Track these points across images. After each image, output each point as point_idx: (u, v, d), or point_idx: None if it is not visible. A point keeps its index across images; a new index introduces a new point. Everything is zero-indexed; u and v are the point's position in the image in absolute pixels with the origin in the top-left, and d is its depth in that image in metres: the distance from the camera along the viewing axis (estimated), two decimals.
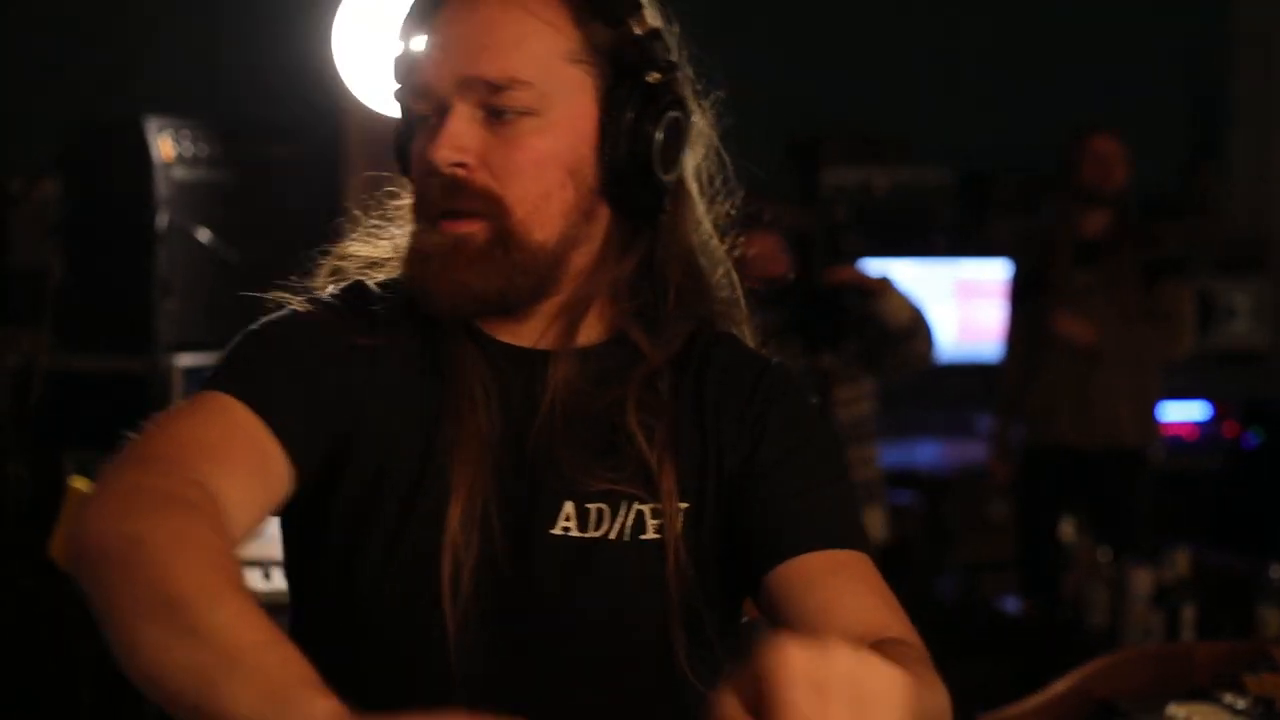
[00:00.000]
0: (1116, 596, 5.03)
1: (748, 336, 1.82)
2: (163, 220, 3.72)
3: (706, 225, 1.81)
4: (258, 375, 1.59)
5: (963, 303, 7.21)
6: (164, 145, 3.73)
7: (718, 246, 1.84)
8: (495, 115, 1.60)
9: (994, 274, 7.22)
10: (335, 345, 1.65)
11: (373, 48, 3.13)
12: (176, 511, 1.38)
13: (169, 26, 4.73)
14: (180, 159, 3.74)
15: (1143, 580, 4.96)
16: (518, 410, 1.65)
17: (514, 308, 1.66)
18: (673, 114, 1.68)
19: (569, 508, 1.62)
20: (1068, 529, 5.38)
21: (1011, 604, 5.89)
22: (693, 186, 1.78)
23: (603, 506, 1.62)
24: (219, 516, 1.42)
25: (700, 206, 1.79)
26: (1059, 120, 7.29)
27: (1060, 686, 2.78)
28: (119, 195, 3.81)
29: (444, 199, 1.61)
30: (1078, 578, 5.22)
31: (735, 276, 1.85)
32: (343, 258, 1.77)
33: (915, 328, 4.94)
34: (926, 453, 6.92)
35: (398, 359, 1.67)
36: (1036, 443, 5.76)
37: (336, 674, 1.25)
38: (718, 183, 1.84)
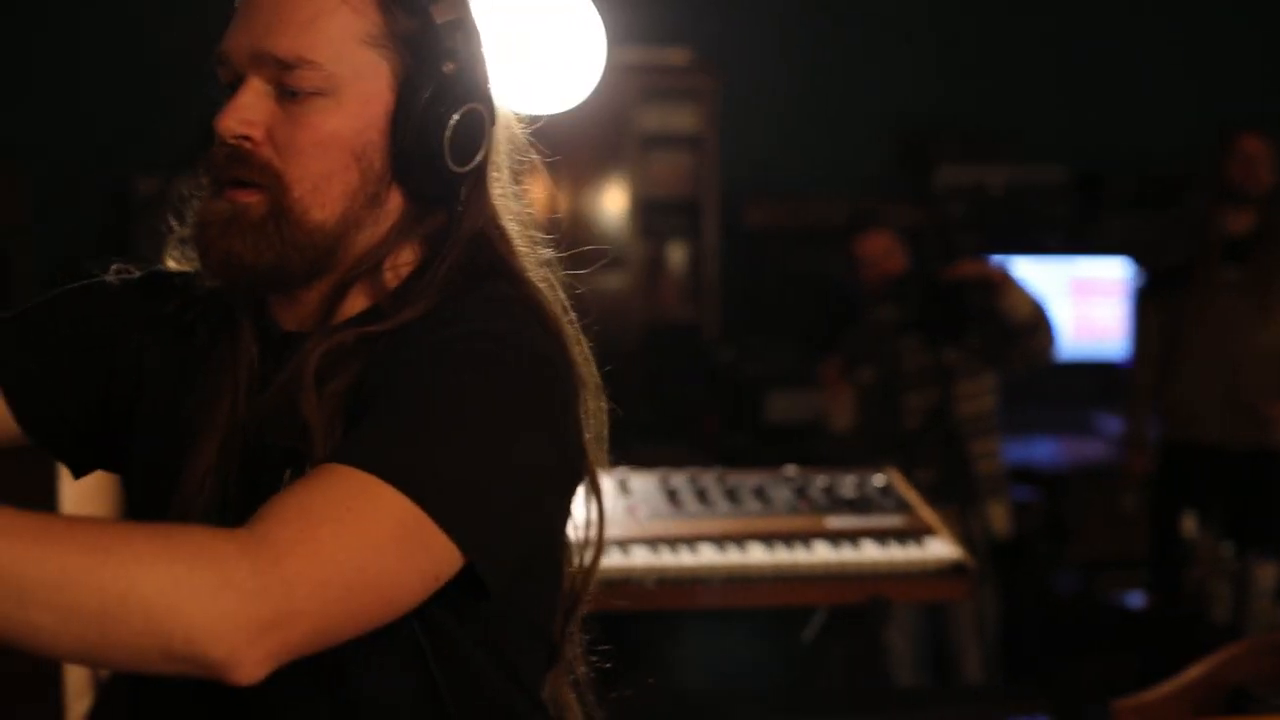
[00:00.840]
0: (1239, 592, 5.02)
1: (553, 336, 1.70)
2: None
3: (508, 221, 1.76)
4: (7, 321, 1.78)
5: (1078, 301, 7.19)
6: None
7: (521, 239, 1.77)
8: (286, 92, 1.61)
9: (1109, 272, 7.21)
10: (122, 311, 1.78)
11: None
12: None
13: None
14: None
15: (1267, 575, 4.95)
16: (267, 385, 1.67)
17: (289, 283, 1.66)
18: (469, 105, 1.66)
19: (287, 474, 1.61)
20: (1189, 524, 5.37)
21: (1135, 599, 5.89)
22: (493, 177, 1.75)
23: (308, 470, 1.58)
24: None
25: (498, 198, 1.76)
26: (1174, 119, 7.29)
27: (1193, 673, 2.80)
28: None
29: (228, 168, 1.61)
30: (1200, 573, 5.21)
31: (551, 277, 1.77)
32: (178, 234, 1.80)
33: (1037, 322, 4.97)
34: (1043, 450, 6.92)
35: (180, 331, 1.75)
36: (1176, 439, 5.73)
37: None
38: (520, 179, 1.80)
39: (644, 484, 3.75)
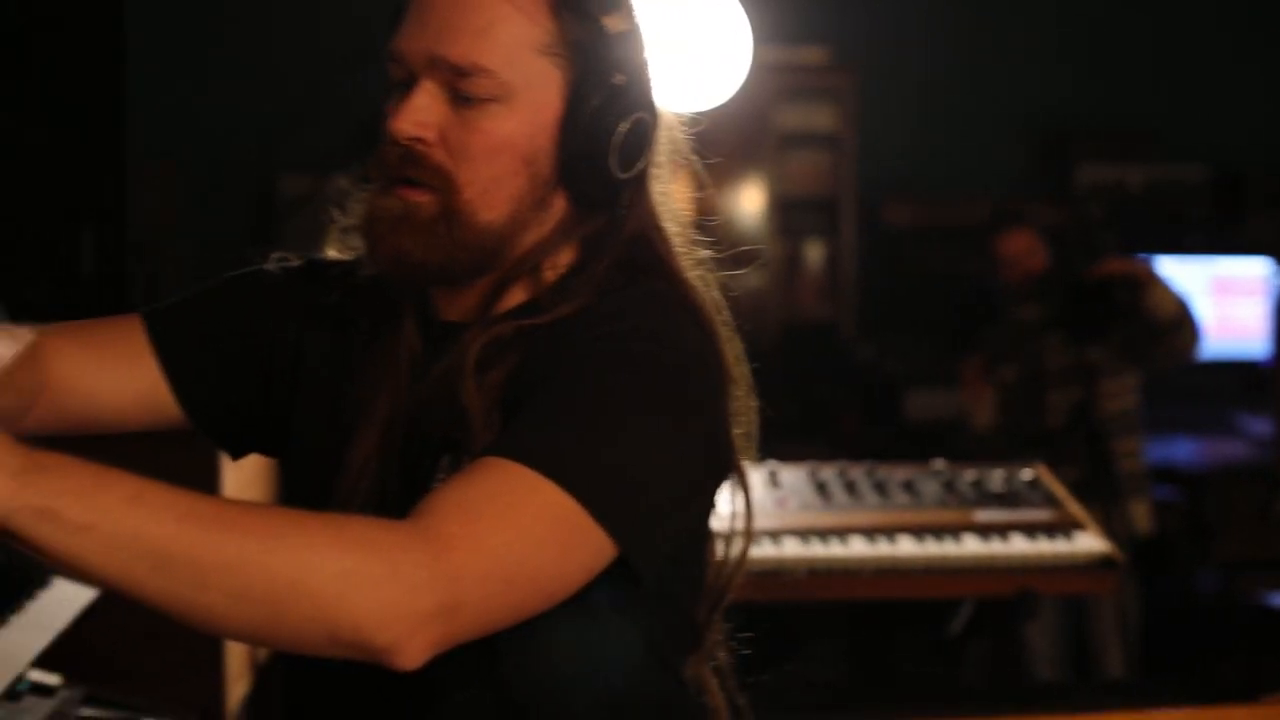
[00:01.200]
0: None
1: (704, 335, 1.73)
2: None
3: (667, 222, 1.78)
4: (174, 305, 1.84)
5: (1219, 300, 7.14)
6: None
7: (679, 239, 1.79)
8: (459, 97, 1.63)
9: (1251, 271, 7.15)
10: (283, 298, 1.83)
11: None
12: None
13: None
14: None
15: None
16: (427, 374, 1.71)
17: (454, 280, 1.70)
18: (637, 115, 1.69)
19: (445, 461, 1.67)
20: None
21: (1278, 600, 5.84)
22: (654, 186, 1.77)
23: (467, 460, 1.62)
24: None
25: (658, 197, 1.77)
26: None
27: None
28: None
29: (400, 167, 1.64)
30: None
31: (706, 276, 1.79)
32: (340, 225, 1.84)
33: (1181, 320, 4.95)
34: (1184, 449, 6.87)
35: (341, 319, 1.79)
36: None
37: None
38: (678, 179, 1.82)
39: (793, 476, 3.80)
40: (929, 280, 7.13)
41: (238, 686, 3.25)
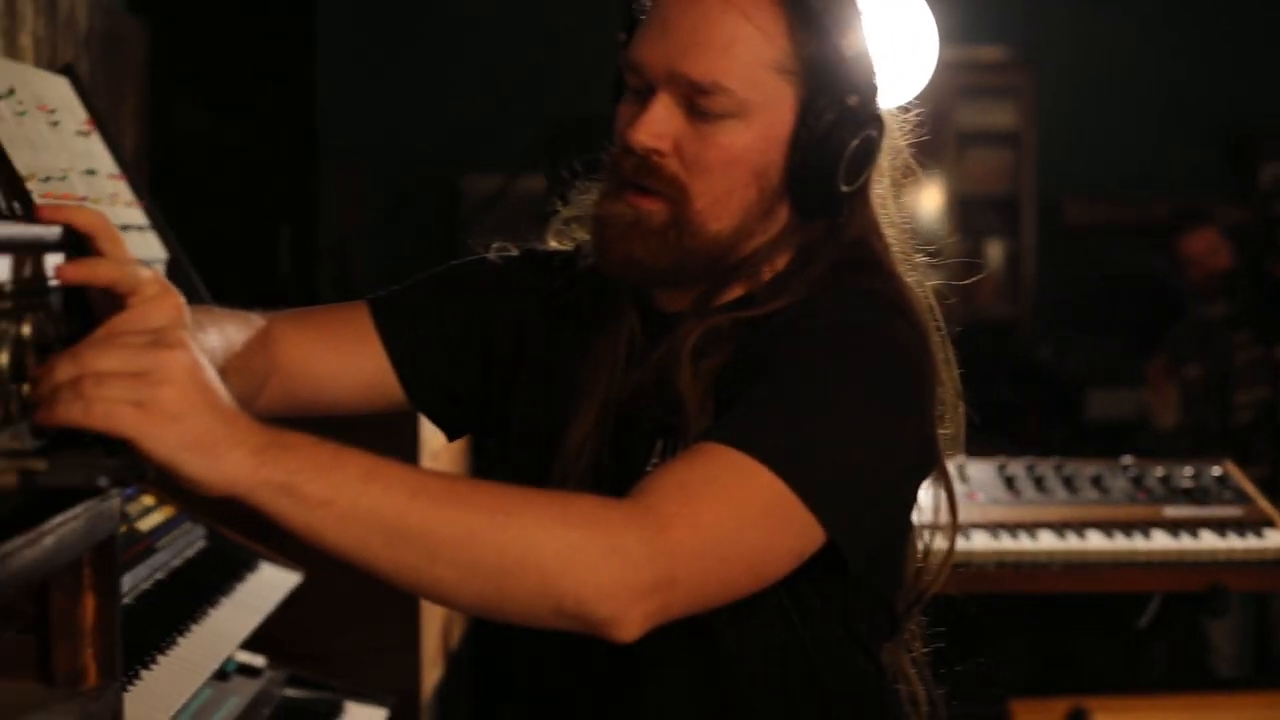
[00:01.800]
0: None
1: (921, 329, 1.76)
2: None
3: (885, 227, 1.81)
4: (398, 293, 1.92)
5: None
6: None
7: (895, 240, 1.83)
8: (696, 110, 1.68)
9: None
10: (504, 286, 1.90)
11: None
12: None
13: None
14: None
15: None
16: (646, 362, 1.76)
17: (679, 283, 1.76)
18: (866, 133, 1.72)
19: (659, 444, 1.72)
20: None
21: None
22: (875, 198, 1.80)
23: (680, 444, 1.68)
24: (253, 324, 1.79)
25: (879, 209, 1.81)
26: None
27: None
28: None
29: (634, 174, 1.69)
30: None
31: (920, 278, 1.83)
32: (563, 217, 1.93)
33: None
34: None
35: (562, 307, 1.86)
36: None
37: None
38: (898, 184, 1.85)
39: (982, 471, 3.82)
40: (1109, 280, 7.07)
41: (432, 673, 3.32)
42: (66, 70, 2.68)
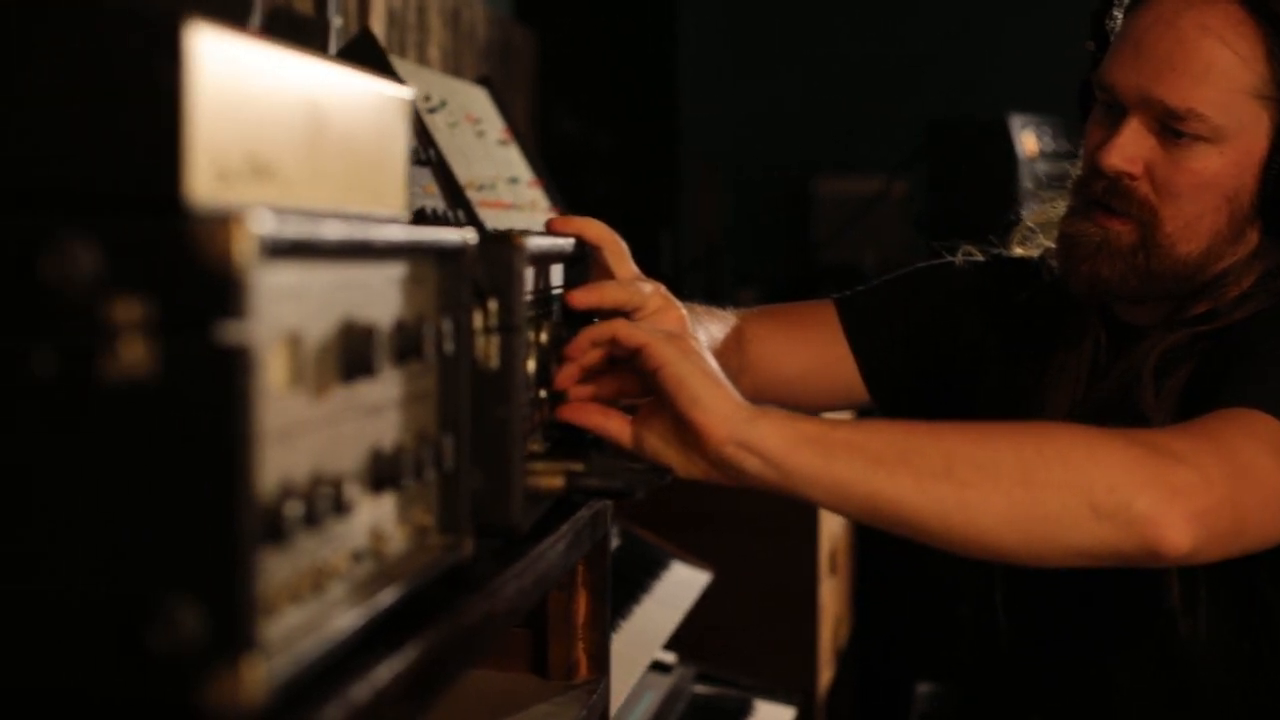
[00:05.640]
0: None
1: None
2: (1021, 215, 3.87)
3: None
4: (864, 293, 1.97)
5: None
6: (1027, 141, 3.89)
7: None
8: (1168, 134, 1.67)
9: None
10: (968, 292, 1.94)
11: None
12: None
13: (1025, 25, 4.90)
14: (1043, 154, 3.89)
15: None
16: (1109, 375, 1.76)
17: (1145, 301, 1.76)
18: None
19: None
20: None
21: None
22: None
23: None
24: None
25: None
26: None
27: None
28: (980, 190, 3.99)
29: (1103, 196, 1.70)
30: None
31: None
32: (1026, 224, 1.97)
33: None
34: None
35: (1025, 316, 1.87)
36: None
37: None
38: None
39: None
40: None
41: (825, 673, 3.35)
42: (484, 81, 2.77)
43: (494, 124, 2.69)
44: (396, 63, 2.27)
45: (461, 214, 2.24)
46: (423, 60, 3.23)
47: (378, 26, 2.96)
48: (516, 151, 2.71)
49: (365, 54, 2.21)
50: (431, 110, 2.35)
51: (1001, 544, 1.38)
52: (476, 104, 2.67)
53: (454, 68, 3.42)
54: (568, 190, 2.83)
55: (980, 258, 1.98)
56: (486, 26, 3.71)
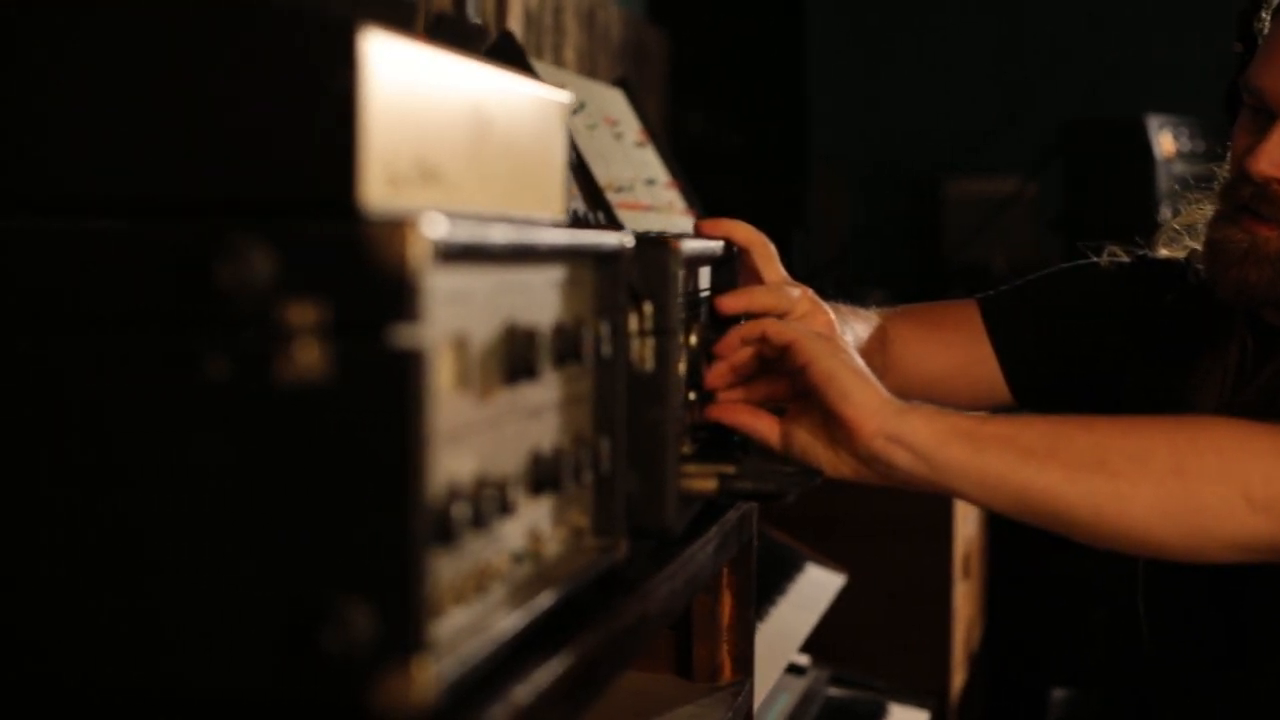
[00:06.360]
0: None
1: None
2: (1164, 216, 3.83)
3: None
4: (1008, 293, 1.95)
5: None
6: (1164, 141, 3.83)
7: None
8: None
9: None
10: (1113, 293, 1.90)
11: None
12: None
13: (1161, 23, 4.84)
14: (1180, 155, 3.83)
15: None
16: (1255, 380, 1.73)
17: None
18: None
19: None
20: None
21: None
22: None
23: None
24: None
25: None
26: None
27: None
28: (1116, 191, 3.95)
29: (1251, 201, 1.66)
30: None
31: None
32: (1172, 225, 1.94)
33: None
34: None
35: (1170, 319, 1.84)
36: None
37: None
38: None
39: None
40: None
41: (958, 676, 3.32)
42: (621, 83, 2.78)
43: (631, 125, 2.70)
44: (535, 65, 2.28)
45: (602, 215, 2.25)
46: (559, 61, 3.24)
47: (515, 28, 2.97)
48: (653, 153, 2.72)
49: (506, 56, 2.22)
50: (571, 112, 2.36)
51: (1154, 536, 1.37)
52: (614, 106, 2.67)
53: (589, 69, 3.43)
54: (698, 191, 2.83)
55: (1125, 259, 1.96)
56: (621, 27, 3.72)
